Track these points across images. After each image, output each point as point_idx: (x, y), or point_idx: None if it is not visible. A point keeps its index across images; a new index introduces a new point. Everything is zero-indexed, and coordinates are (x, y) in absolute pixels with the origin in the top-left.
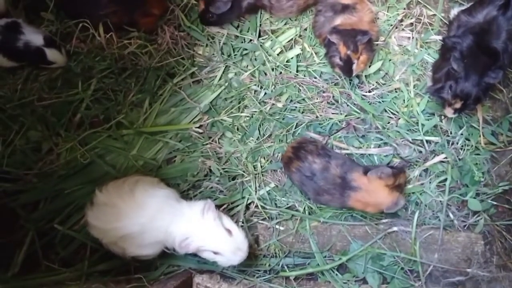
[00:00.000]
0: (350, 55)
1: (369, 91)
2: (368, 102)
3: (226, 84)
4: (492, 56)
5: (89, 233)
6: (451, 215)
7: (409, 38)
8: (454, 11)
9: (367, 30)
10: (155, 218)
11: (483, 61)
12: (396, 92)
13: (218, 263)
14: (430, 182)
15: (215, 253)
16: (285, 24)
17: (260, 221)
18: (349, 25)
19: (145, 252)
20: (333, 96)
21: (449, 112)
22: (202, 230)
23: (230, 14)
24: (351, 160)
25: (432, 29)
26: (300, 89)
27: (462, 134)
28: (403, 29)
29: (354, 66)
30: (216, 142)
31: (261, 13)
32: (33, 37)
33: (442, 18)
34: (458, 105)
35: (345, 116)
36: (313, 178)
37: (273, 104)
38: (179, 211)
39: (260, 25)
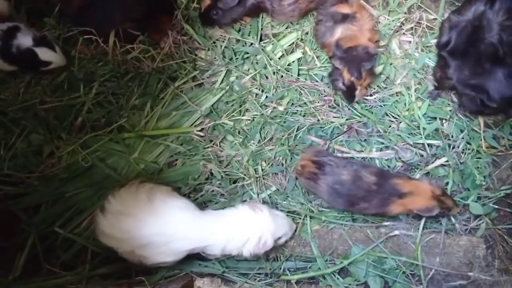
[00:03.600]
0: (353, 81)
1: (371, 95)
2: (370, 106)
3: (228, 87)
4: (491, 52)
5: (90, 237)
6: (452, 218)
7: (410, 42)
8: (446, 14)
9: (372, 54)
10: (184, 229)
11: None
12: (397, 96)
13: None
14: None
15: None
16: (286, 28)
17: None
18: (349, 39)
19: (170, 259)
20: (335, 100)
21: None
22: (263, 224)
23: (235, 12)
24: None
25: (433, 33)
26: (301, 93)
27: (463, 137)
28: (404, 33)
29: (357, 92)
30: (217, 146)
31: (262, 17)
32: (23, 39)
33: None
34: None
35: (347, 120)
36: (344, 189)
37: (274, 107)
38: (218, 218)
39: (262, 28)
